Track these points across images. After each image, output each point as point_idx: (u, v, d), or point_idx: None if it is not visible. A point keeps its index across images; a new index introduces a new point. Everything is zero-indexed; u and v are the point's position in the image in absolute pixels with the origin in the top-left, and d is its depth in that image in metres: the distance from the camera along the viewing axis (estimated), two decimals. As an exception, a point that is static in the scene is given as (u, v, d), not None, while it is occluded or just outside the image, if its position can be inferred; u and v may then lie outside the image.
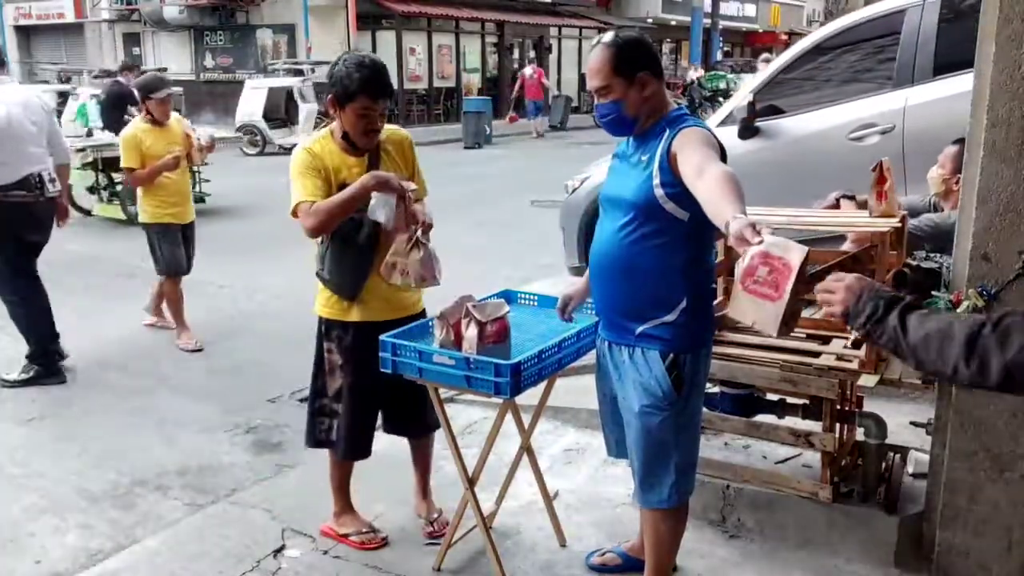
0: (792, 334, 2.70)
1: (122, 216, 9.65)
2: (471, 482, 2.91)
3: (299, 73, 18.42)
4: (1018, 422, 2.64)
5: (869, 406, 3.26)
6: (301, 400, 4.68)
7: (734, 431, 3.26)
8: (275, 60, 21.00)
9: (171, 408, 4.65)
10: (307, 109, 16.95)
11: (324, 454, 3.24)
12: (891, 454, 3.21)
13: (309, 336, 3.17)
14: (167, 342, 5.65)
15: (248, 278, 7.16)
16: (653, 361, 2.48)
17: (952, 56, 4.67)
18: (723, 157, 2.37)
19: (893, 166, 3.26)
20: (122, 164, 5.41)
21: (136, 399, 4.78)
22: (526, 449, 3.11)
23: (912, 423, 3.26)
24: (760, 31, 37.35)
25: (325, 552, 3.18)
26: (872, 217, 3.21)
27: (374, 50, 19.58)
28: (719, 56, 32.02)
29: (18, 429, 4.42)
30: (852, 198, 3.45)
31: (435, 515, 3.32)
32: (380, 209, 2.83)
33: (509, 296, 3.22)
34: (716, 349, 2.81)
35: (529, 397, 2.88)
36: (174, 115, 5.61)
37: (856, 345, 3.03)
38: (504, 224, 9.62)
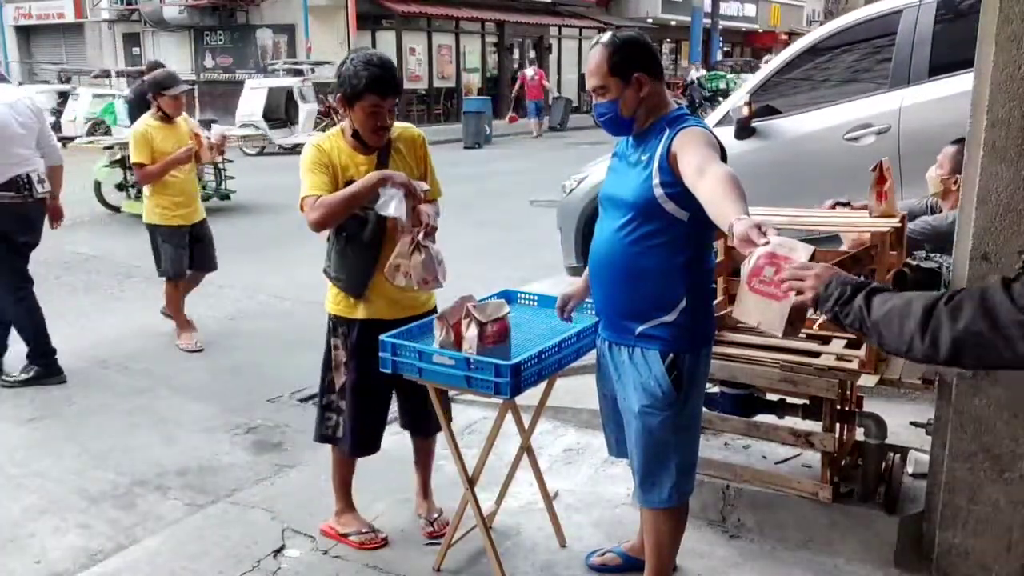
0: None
1: None
2: (471, 482, 2.91)
3: (299, 73, 18.43)
4: (1018, 422, 2.64)
5: (869, 406, 3.26)
6: (301, 400, 4.70)
7: (734, 431, 3.26)
8: (275, 60, 20.99)
9: (171, 408, 4.65)
10: (307, 109, 16.96)
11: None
12: (891, 454, 3.21)
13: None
14: (167, 342, 5.64)
15: (248, 278, 7.15)
16: (653, 361, 2.48)
17: (948, 57, 4.69)
18: (723, 157, 2.37)
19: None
20: (132, 160, 5.40)
21: (136, 399, 4.78)
22: (526, 449, 3.11)
23: (912, 423, 3.26)
24: (760, 31, 37.37)
25: (325, 552, 3.18)
26: (872, 217, 3.21)
27: (374, 50, 19.57)
28: (719, 56, 32.03)
29: (18, 429, 4.41)
30: (847, 204, 3.46)
31: (435, 515, 3.32)
32: (391, 204, 2.82)
33: (509, 296, 3.22)
34: (716, 349, 2.81)
35: (529, 397, 2.88)
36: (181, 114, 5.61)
37: (856, 345, 3.03)
38: (504, 224, 9.62)
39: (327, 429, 3.17)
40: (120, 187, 10.20)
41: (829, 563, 3.02)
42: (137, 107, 11.07)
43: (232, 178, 10.87)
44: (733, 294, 3.01)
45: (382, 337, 2.80)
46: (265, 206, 10.86)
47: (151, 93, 5.45)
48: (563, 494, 3.51)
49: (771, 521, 3.16)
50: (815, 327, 3.08)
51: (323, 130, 15.74)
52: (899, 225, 3.11)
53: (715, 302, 2.97)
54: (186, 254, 5.55)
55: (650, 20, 29.88)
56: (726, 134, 5.01)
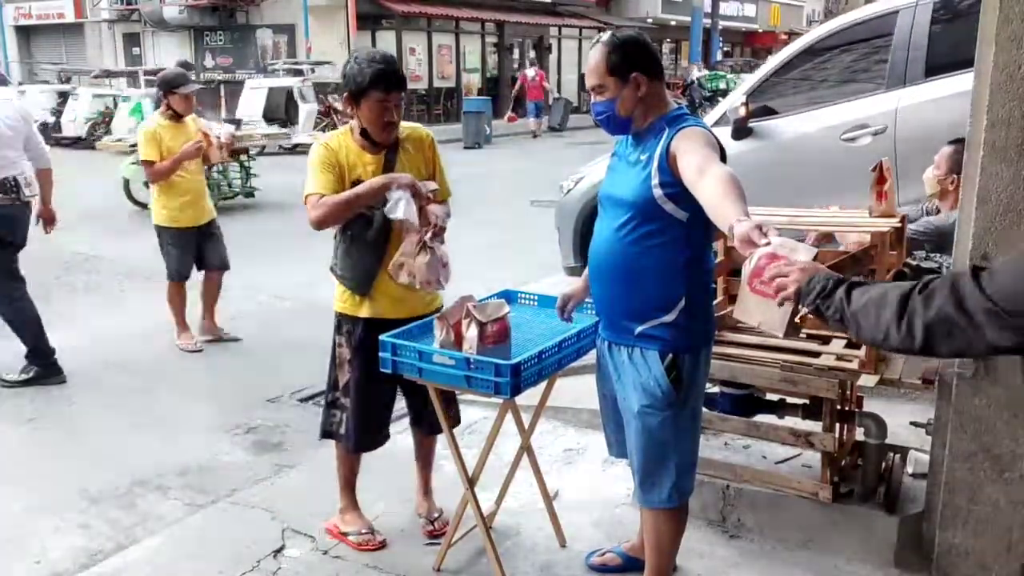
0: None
1: None
2: (471, 482, 2.91)
3: (299, 73, 18.43)
4: (1018, 422, 2.64)
5: (869, 406, 3.26)
6: (301, 400, 4.70)
7: (734, 431, 3.26)
8: (275, 60, 21.00)
9: (171, 408, 4.65)
10: (307, 109, 16.95)
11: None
12: (891, 454, 3.21)
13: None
14: (167, 342, 5.64)
15: (248, 278, 7.15)
16: (652, 361, 2.47)
17: (944, 58, 4.70)
18: (723, 157, 2.37)
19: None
20: (140, 158, 5.39)
21: (136, 399, 4.78)
22: (526, 449, 3.11)
23: (912, 423, 3.26)
24: (760, 31, 37.36)
25: (325, 552, 3.18)
26: (872, 217, 3.21)
27: (374, 50, 19.58)
28: (719, 56, 32.02)
29: (18, 429, 4.42)
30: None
31: (436, 514, 3.33)
32: (398, 206, 2.83)
33: (509, 296, 3.22)
34: (716, 349, 2.81)
35: (529, 397, 2.88)
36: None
37: (856, 345, 3.03)
38: (504, 224, 9.62)
39: (331, 425, 3.19)
40: (147, 184, 10.28)
41: (829, 563, 3.02)
42: None
43: (256, 175, 11.12)
44: (733, 294, 3.02)
45: (382, 337, 2.80)
46: (265, 207, 10.87)
47: (161, 91, 5.44)
48: (563, 494, 3.51)
49: (771, 521, 3.16)
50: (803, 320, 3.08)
51: (323, 130, 15.81)
52: (899, 225, 3.11)
53: (715, 302, 2.97)
54: (192, 256, 5.54)
55: (650, 20, 29.87)
56: (723, 134, 5.02)
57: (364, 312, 3.05)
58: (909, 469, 3.28)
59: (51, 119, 18.92)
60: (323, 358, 3.22)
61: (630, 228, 2.43)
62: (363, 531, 3.22)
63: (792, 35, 32.29)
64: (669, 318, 2.45)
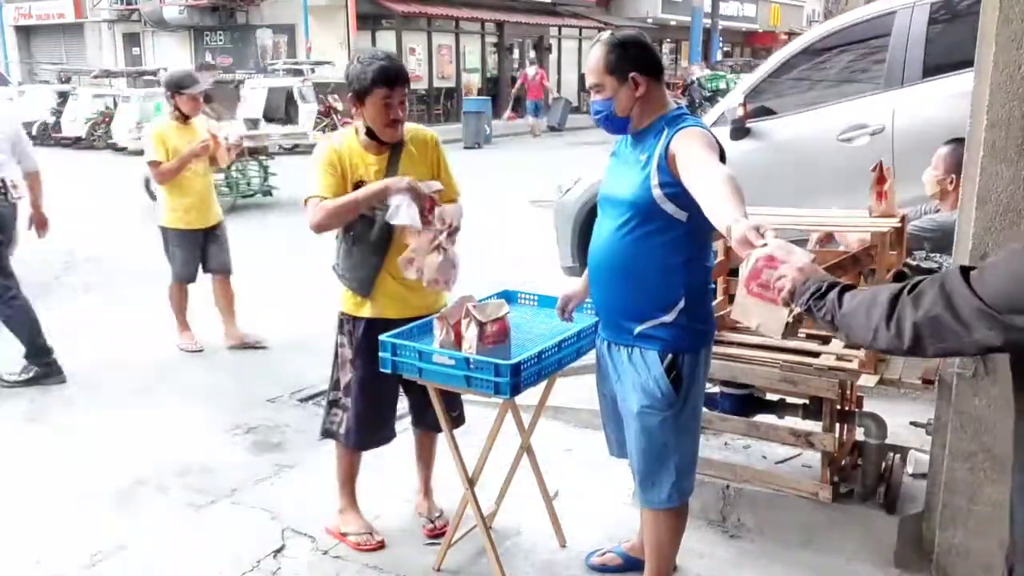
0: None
1: None
2: (471, 482, 2.91)
3: (299, 73, 18.43)
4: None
5: (869, 406, 3.26)
6: (301, 400, 4.70)
7: (734, 431, 3.26)
8: (275, 60, 20.99)
9: (171, 408, 4.65)
10: (307, 109, 16.95)
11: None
12: (891, 454, 3.21)
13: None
14: (167, 342, 5.64)
15: (248, 278, 7.14)
16: (652, 361, 2.47)
17: (942, 58, 4.71)
18: (722, 157, 2.37)
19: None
20: (146, 159, 5.33)
21: (136, 399, 4.77)
22: (526, 449, 3.11)
23: (912, 423, 3.26)
24: (760, 31, 37.35)
25: (325, 552, 3.18)
26: (872, 217, 3.21)
27: (374, 50, 19.59)
28: (719, 56, 32.01)
29: (18, 429, 4.41)
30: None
31: (436, 514, 3.33)
32: (399, 211, 2.83)
33: (509, 296, 3.23)
34: (716, 349, 2.81)
35: (529, 397, 2.88)
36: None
37: (856, 345, 3.02)
38: (504, 224, 9.61)
39: (331, 424, 3.20)
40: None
41: (829, 563, 3.02)
42: None
43: (275, 175, 11.23)
44: (733, 294, 3.01)
45: (382, 337, 2.81)
46: (265, 207, 10.87)
47: (169, 92, 5.41)
48: (563, 494, 3.51)
49: (771, 521, 3.16)
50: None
51: (323, 130, 15.80)
52: (899, 225, 3.11)
53: (714, 302, 2.97)
54: (197, 259, 5.52)
55: (650, 20, 29.86)
56: (721, 134, 5.02)
57: (366, 312, 3.05)
58: (909, 469, 3.28)
59: (51, 119, 18.93)
60: (324, 358, 3.22)
61: (630, 228, 2.44)
62: (363, 531, 3.22)
63: (792, 35, 32.27)
64: (669, 318, 2.45)
